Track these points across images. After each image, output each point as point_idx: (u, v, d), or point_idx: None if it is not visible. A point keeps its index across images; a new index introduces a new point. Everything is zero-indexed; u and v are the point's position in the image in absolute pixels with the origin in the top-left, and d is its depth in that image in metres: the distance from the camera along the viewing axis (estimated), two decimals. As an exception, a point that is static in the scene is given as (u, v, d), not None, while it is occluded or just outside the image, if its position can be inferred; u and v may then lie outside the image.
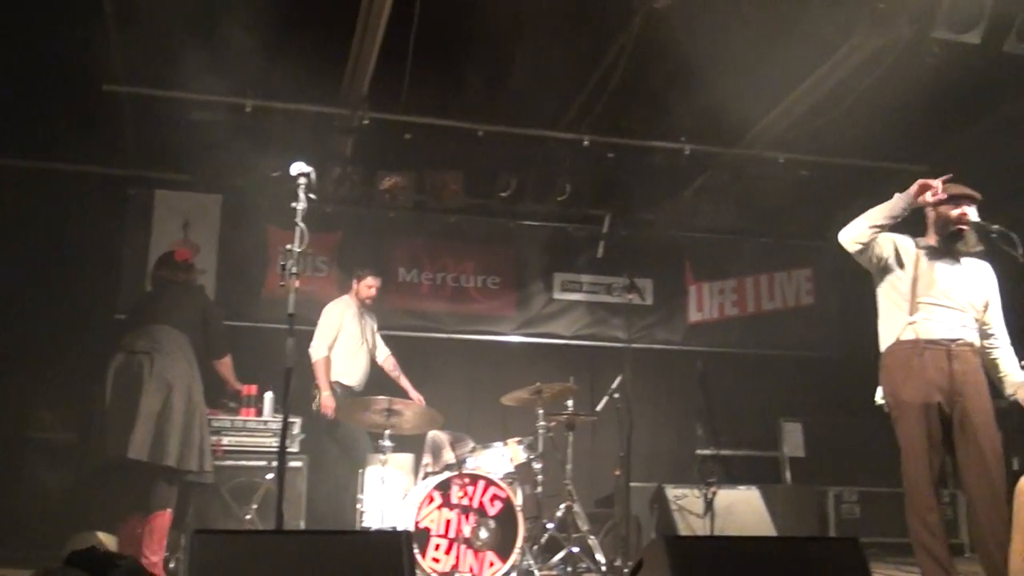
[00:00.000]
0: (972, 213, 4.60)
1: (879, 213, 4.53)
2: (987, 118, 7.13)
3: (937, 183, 4.48)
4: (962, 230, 4.59)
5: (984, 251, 4.67)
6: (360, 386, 6.84)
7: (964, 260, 4.66)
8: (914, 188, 4.50)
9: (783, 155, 7.75)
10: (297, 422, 6.59)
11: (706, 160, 7.91)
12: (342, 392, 6.64)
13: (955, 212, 4.58)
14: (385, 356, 7.18)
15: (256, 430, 6.50)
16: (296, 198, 4.44)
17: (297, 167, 4.46)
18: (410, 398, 6.77)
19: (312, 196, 4.47)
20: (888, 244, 4.62)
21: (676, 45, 5.87)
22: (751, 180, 8.04)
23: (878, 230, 4.53)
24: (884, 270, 4.63)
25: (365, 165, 7.59)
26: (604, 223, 8.37)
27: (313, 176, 4.48)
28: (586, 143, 7.50)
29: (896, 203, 4.52)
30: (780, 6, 5.29)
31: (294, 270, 4.34)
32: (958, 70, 5.90)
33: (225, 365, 6.02)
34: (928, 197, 4.51)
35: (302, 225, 4.39)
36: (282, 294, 4.44)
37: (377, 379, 7.06)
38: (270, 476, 6.11)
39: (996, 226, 4.48)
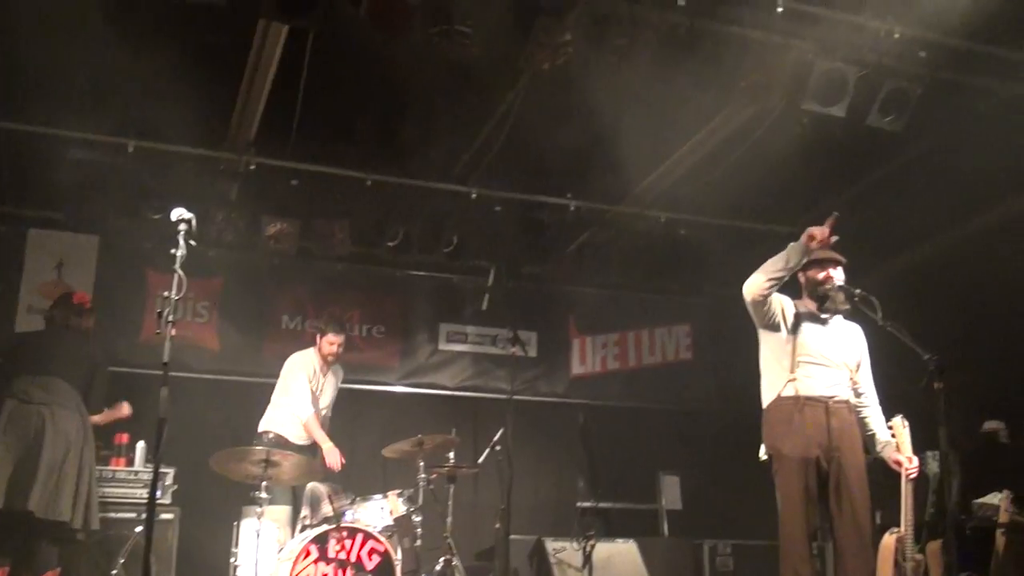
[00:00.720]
0: (838, 275, 4.81)
1: (774, 266, 4.59)
2: (852, 185, 7.52)
3: (823, 228, 4.50)
4: (828, 291, 4.81)
5: (849, 311, 4.89)
6: (302, 440, 6.52)
7: (838, 322, 4.86)
8: (804, 237, 4.54)
9: (664, 214, 8.00)
10: (170, 473, 6.38)
11: (591, 217, 8.08)
12: (282, 446, 6.17)
13: (821, 274, 4.79)
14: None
15: (126, 481, 6.31)
16: (176, 244, 4.34)
17: (177, 213, 4.34)
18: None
19: (192, 243, 4.37)
20: (777, 303, 4.75)
21: (562, 105, 6.04)
22: (633, 237, 8.26)
23: (776, 283, 4.60)
24: (771, 328, 4.76)
25: (250, 210, 7.46)
26: (489, 275, 8.44)
27: (194, 222, 4.38)
28: (474, 196, 7.57)
29: (790, 253, 4.57)
30: (660, 73, 5.49)
31: (171, 318, 4.21)
32: (826, 139, 6.25)
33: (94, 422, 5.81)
34: (814, 243, 4.54)
35: (180, 272, 4.26)
36: (160, 340, 4.32)
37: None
38: (139, 529, 5.89)
39: (858, 290, 4.71)
